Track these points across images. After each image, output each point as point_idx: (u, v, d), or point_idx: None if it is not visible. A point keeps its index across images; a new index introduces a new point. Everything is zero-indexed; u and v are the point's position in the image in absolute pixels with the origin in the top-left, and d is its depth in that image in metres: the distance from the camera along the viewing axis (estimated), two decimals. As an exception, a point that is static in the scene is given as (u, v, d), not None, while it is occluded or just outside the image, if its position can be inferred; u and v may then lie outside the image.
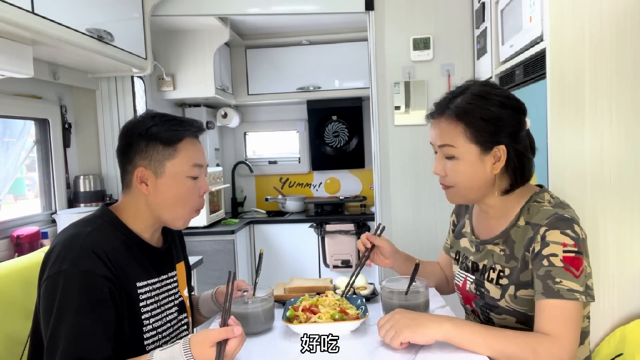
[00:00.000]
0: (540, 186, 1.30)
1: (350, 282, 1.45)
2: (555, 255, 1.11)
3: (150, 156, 1.18)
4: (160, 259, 1.26)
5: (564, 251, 1.11)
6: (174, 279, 1.30)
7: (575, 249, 1.11)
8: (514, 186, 1.24)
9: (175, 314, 1.27)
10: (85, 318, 1.02)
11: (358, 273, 1.46)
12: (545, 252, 1.12)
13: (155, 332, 1.18)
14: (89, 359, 1.00)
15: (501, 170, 1.22)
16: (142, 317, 1.15)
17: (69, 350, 1.00)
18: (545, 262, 1.12)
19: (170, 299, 1.26)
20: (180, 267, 1.36)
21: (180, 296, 1.31)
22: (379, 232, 1.50)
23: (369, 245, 1.46)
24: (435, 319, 1.14)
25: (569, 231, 1.12)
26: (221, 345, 0.97)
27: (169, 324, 1.24)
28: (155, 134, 1.18)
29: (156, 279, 1.22)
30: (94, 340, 1.02)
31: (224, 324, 1.01)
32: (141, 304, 1.16)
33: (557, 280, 1.09)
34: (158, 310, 1.20)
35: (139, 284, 1.16)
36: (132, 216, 1.20)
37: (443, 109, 1.24)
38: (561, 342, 1.07)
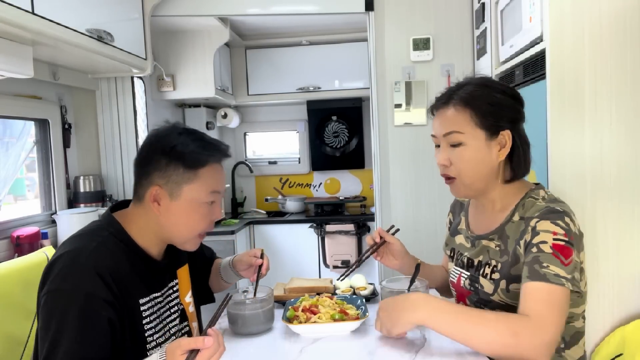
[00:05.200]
0: (537, 184, 1.31)
1: (352, 269, 1.44)
2: (545, 242, 1.11)
3: (168, 176, 1.13)
4: (162, 272, 1.24)
5: (554, 239, 1.11)
6: (175, 288, 1.28)
7: (566, 239, 1.11)
8: (518, 175, 1.26)
9: (178, 325, 1.26)
10: (83, 343, 1.00)
11: (360, 263, 1.45)
12: (535, 240, 1.13)
13: (159, 348, 1.16)
14: None
15: (505, 159, 1.24)
16: (146, 334, 1.13)
17: None
18: (534, 250, 1.12)
19: (171, 310, 1.24)
20: (183, 271, 1.33)
21: (181, 305, 1.29)
22: (392, 232, 1.49)
23: (379, 240, 1.45)
24: (411, 305, 1.13)
25: (559, 222, 1.13)
26: (192, 353, 0.93)
27: (173, 337, 1.22)
28: (179, 154, 1.13)
29: (158, 293, 1.20)
30: None
31: (204, 332, 0.97)
32: (144, 322, 1.13)
33: (545, 264, 1.09)
34: (161, 325, 1.19)
35: (141, 301, 1.13)
36: (139, 229, 1.17)
37: (448, 99, 1.25)
38: (544, 324, 1.05)
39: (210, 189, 1.16)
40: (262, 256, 1.41)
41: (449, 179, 1.27)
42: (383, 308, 1.18)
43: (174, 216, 1.15)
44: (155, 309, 1.17)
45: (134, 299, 1.11)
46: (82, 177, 2.53)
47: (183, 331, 1.29)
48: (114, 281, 1.06)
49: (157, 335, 1.16)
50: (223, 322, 1.33)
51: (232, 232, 3.17)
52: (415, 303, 1.13)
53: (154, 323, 1.16)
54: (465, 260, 1.35)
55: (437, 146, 1.29)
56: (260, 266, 1.40)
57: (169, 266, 1.27)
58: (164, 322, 1.20)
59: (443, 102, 1.26)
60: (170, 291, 1.26)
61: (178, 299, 1.28)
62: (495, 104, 1.22)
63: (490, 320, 1.07)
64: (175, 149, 1.13)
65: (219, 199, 1.21)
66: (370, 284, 1.57)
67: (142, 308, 1.13)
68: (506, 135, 1.21)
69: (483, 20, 2.37)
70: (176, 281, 1.29)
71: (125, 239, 1.15)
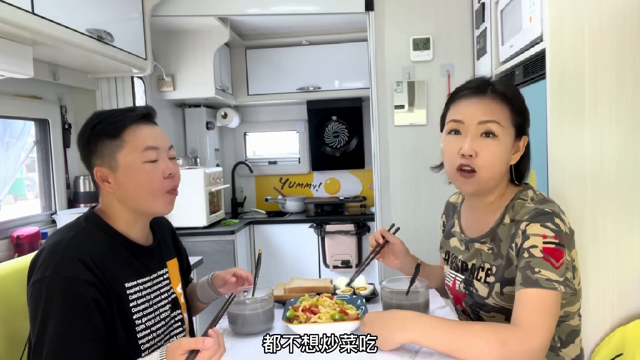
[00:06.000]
0: (526, 184, 1.30)
1: (356, 275, 1.45)
2: (535, 246, 1.11)
3: (101, 153, 1.17)
4: (149, 258, 1.26)
5: (544, 242, 1.10)
6: (165, 276, 1.29)
7: (556, 241, 1.10)
8: (519, 180, 1.27)
9: (169, 312, 1.27)
10: (68, 325, 1.02)
11: (366, 265, 1.46)
12: (526, 245, 1.12)
13: (148, 331, 1.18)
14: None
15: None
16: (134, 317, 1.15)
17: (52, 357, 1.00)
18: (525, 255, 1.12)
19: (162, 296, 1.26)
20: (172, 263, 1.35)
21: (173, 293, 1.30)
22: (393, 231, 1.49)
23: (382, 241, 1.45)
24: (400, 324, 1.11)
25: (549, 224, 1.12)
26: (192, 354, 0.94)
27: (162, 322, 1.23)
28: (100, 130, 1.17)
29: (146, 278, 1.22)
30: (77, 347, 1.02)
31: (204, 333, 0.98)
32: (131, 304, 1.15)
33: (536, 270, 1.09)
34: (150, 309, 1.20)
35: (127, 285, 1.15)
36: (112, 216, 1.20)
37: (485, 88, 1.20)
38: (533, 331, 1.04)
39: (141, 147, 1.17)
40: (259, 259, 1.43)
41: (467, 171, 1.19)
42: (367, 324, 1.15)
43: (124, 186, 1.17)
44: (144, 293, 1.19)
45: (119, 282, 1.13)
46: (82, 177, 2.53)
47: (176, 319, 1.30)
48: (96, 265, 1.09)
49: (145, 319, 1.18)
50: (223, 322, 1.33)
51: (232, 232, 3.17)
52: (405, 322, 1.11)
53: (143, 307, 1.18)
54: (459, 263, 1.34)
55: (454, 132, 1.21)
56: (257, 265, 1.41)
57: (154, 252, 1.29)
58: (154, 307, 1.22)
59: (479, 89, 1.20)
60: (161, 278, 1.28)
61: (170, 287, 1.30)
62: (524, 107, 1.23)
63: (478, 332, 1.06)
64: (96, 128, 1.17)
65: (163, 154, 1.21)
66: (370, 284, 1.56)
67: (128, 292, 1.15)
68: (523, 140, 1.23)
69: (483, 20, 2.37)
70: (166, 270, 1.31)
71: (104, 228, 1.19)
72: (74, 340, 1.02)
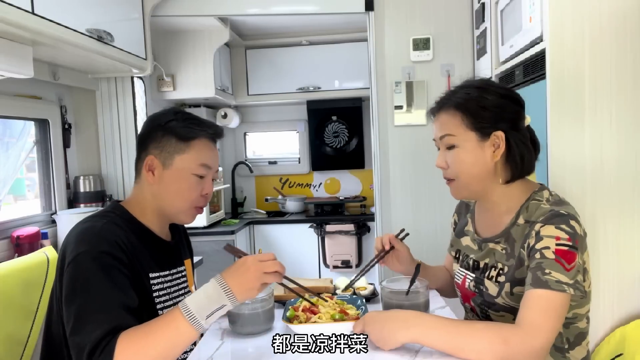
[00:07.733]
0: (541, 184, 1.30)
1: (357, 277, 1.44)
2: (547, 248, 1.11)
3: (162, 147, 1.22)
4: (170, 253, 1.30)
5: (557, 244, 1.10)
6: (183, 273, 1.33)
7: (570, 243, 1.10)
8: (515, 176, 1.25)
9: None
10: (112, 289, 1.03)
11: (368, 270, 1.45)
12: (538, 246, 1.12)
13: None
14: (127, 325, 1.00)
15: (502, 160, 1.23)
16: (156, 307, 1.19)
17: (104, 322, 0.99)
18: (537, 256, 1.12)
19: (180, 292, 1.29)
20: (188, 263, 1.40)
21: (189, 291, 1.34)
22: (402, 236, 1.49)
23: (387, 247, 1.45)
24: (402, 324, 1.11)
25: (563, 226, 1.12)
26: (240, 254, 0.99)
27: None
28: (173, 127, 1.22)
29: (167, 272, 1.25)
30: (122, 309, 1.03)
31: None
32: (154, 295, 1.19)
33: (547, 271, 1.09)
34: (170, 302, 1.24)
35: (151, 275, 1.19)
36: (140, 209, 1.24)
37: (443, 103, 1.28)
38: (536, 331, 1.04)
39: (199, 161, 1.23)
40: None
41: (449, 180, 1.29)
42: (369, 323, 1.15)
43: (165, 184, 1.22)
44: (165, 285, 1.23)
45: (144, 272, 1.17)
46: (82, 177, 2.53)
47: None
48: (128, 250, 1.12)
49: (165, 311, 1.19)
50: (223, 321, 1.33)
51: (232, 232, 3.17)
52: (407, 322, 1.12)
53: (164, 298, 1.22)
54: (471, 262, 1.34)
55: (438, 149, 1.31)
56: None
57: (175, 249, 1.33)
58: (174, 301, 1.25)
59: (438, 107, 1.29)
60: (179, 274, 1.32)
61: (187, 284, 1.34)
62: (487, 106, 1.22)
63: (480, 330, 1.07)
64: (170, 123, 1.23)
65: (210, 175, 1.27)
66: (371, 284, 1.56)
67: (152, 282, 1.19)
68: (499, 137, 1.21)
69: (483, 20, 2.37)
70: (184, 267, 1.35)
71: (131, 219, 1.22)
72: (118, 304, 1.02)
